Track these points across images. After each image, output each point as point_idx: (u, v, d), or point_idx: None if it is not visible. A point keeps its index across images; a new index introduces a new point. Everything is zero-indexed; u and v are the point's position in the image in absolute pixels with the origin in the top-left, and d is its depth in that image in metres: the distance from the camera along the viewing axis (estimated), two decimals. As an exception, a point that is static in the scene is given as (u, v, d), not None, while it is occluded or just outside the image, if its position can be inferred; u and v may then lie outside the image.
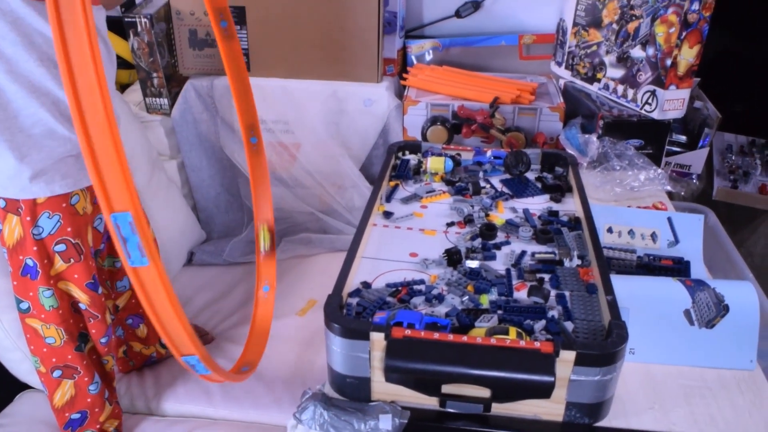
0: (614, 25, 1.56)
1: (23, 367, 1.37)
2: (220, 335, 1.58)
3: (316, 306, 1.62)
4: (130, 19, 1.66)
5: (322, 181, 1.82)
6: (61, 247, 1.14)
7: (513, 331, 0.80)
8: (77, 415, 1.25)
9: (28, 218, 1.10)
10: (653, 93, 1.50)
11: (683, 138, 1.87)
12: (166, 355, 1.50)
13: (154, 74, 1.75)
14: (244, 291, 1.71)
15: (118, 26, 1.76)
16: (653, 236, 1.20)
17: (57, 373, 1.22)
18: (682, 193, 1.50)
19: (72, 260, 1.15)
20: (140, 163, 1.64)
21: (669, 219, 1.22)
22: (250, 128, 1.26)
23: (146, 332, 1.43)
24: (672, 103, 1.49)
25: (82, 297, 1.19)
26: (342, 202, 1.83)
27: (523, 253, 1.01)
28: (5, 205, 1.10)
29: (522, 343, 0.77)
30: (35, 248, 1.12)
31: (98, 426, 1.28)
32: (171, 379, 1.43)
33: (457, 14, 1.85)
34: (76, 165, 1.12)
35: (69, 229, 1.13)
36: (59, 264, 1.15)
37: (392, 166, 1.25)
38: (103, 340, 1.24)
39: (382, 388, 0.82)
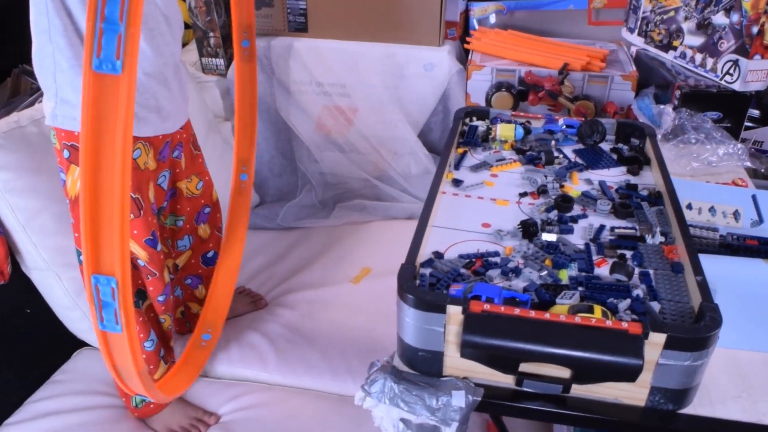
0: (695, -11, 1.47)
1: (82, 326, 1.38)
2: (273, 300, 1.56)
3: (370, 274, 1.59)
4: (188, -23, 1.63)
5: (378, 147, 1.78)
6: None
7: (598, 309, 0.75)
8: (132, 370, 1.25)
9: None
10: (736, 63, 1.41)
11: (756, 113, 1.77)
12: (222, 319, 1.50)
13: (211, 34, 1.72)
14: (298, 256, 1.69)
15: (176, -17, 1.73)
16: (736, 214, 1.13)
17: None
18: (762, 170, 1.42)
19: (131, 215, 1.14)
20: (195, 125, 1.62)
21: (753, 197, 1.15)
22: (243, 29, 1.10)
23: (205, 293, 1.42)
24: (756, 74, 1.40)
25: (141, 253, 1.17)
26: (398, 169, 1.79)
27: (602, 227, 0.95)
28: (69, 155, 1.08)
29: (608, 323, 0.73)
30: None
31: (153, 384, 1.27)
32: (224, 342, 1.42)
33: (524, -24, 1.78)
34: (137, 114, 1.09)
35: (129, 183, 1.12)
36: None
37: (459, 132, 1.20)
38: (160, 298, 1.23)
39: (455, 363, 0.79)
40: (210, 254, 1.41)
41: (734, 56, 1.41)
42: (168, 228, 1.30)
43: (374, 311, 1.47)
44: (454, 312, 0.75)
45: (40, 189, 1.25)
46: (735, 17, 1.39)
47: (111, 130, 0.60)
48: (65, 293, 1.33)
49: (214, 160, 1.68)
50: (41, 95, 1.40)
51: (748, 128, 1.73)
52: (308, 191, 1.88)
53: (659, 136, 1.38)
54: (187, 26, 1.91)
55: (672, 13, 1.54)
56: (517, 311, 0.74)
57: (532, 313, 0.74)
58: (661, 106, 1.42)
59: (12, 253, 1.28)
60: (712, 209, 1.14)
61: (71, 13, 0.99)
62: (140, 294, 1.22)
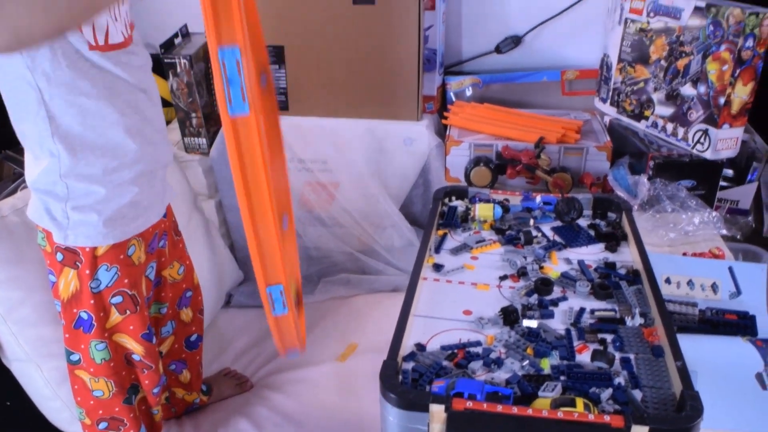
0: (662, 62, 1.52)
1: (63, 416, 1.35)
2: (259, 381, 1.54)
3: (357, 350, 1.58)
4: (169, 60, 1.67)
5: (360, 221, 1.79)
6: (117, 299, 1.12)
7: (580, 402, 0.75)
8: (119, 468, 1.23)
9: (87, 271, 1.08)
10: (705, 132, 1.45)
11: (730, 172, 1.81)
12: (208, 402, 1.47)
13: (193, 114, 1.75)
14: (283, 334, 1.68)
15: (157, 66, 1.76)
16: (714, 287, 1.15)
17: (102, 425, 1.20)
18: (738, 237, 1.45)
19: (128, 312, 1.14)
20: (178, 204, 1.63)
21: (730, 269, 1.17)
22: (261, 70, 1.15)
23: (189, 378, 1.40)
24: (725, 142, 1.44)
25: (137, 348, 1.17)
26: (381, 242, 1.80)
27: (582, 310, 0.96)
28: (63, 258, 1.08)
29: (591, 417, 0.73)
30: (92, 301, 1.10)
31: (138, 478, 1.25)
32: (211, 427, 1.40)
33: (498, 50, 1.83)
34: (135, 212, 1.11)
35: (126, 281, 1.12)
36: (115, 316, 1.13)
37: (439, 213, 1.21)
38: (155, 390, 1.22)
39: (440, 461, 0.78)
40: (193, 338, 1.40)
41: (704, 126, 1.45)
42: (152, 316, 1.29)
43: (362, 390, 1.45)
44: (437, 410, 0.75)
45: (22, 279, 1.24)
46: (702, 88, 1.44)
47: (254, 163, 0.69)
48: (46, 383, 1.30)
49: (198, 238, 1.69)
50: (23, 182, 1.41)
51: (723, 188, 1.76)
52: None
53: (636, 207, 1.41)
54: (168, 104, 1.95)
55: (642, 84, 1.59)
56: (499, 408, 0.74)
57: (515, 410, 0.74)
58: (637, 177, 1.45)
59: (-9, 345, 1.27)
60: (690, 283, 1.15)
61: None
62: (133, 389, 1.21)
